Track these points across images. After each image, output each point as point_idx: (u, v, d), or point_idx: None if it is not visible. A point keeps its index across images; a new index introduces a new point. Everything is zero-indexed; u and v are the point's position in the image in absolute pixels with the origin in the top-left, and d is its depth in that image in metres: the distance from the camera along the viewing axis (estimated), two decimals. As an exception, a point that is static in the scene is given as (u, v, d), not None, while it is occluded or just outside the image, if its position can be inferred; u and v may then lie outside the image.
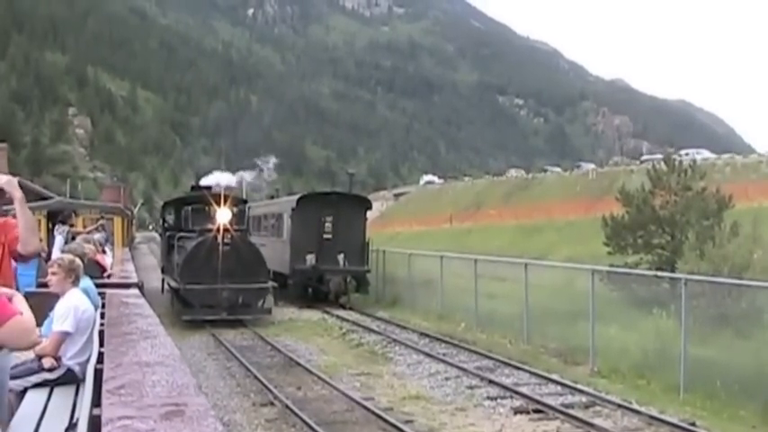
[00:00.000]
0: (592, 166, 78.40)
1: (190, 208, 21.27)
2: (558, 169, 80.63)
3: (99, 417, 2.31)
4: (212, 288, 17.35)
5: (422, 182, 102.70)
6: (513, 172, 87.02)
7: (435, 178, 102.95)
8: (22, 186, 3.77)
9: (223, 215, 17.71)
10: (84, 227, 15.54)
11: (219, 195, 18.86)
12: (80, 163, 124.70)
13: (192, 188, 26.27)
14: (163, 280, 22.09)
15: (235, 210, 19.30)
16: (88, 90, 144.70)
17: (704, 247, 16.73)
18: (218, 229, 17.65)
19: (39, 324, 4.72)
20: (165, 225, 23.06)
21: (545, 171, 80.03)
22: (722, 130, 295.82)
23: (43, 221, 16.03)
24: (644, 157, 53.25)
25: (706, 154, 62.26)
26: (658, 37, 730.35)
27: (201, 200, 20.90)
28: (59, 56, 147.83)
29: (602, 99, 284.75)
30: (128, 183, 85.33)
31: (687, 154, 62.93)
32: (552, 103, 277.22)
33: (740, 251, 16.07)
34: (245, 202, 23.34)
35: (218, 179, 26.71)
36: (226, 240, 17.58)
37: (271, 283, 18.59)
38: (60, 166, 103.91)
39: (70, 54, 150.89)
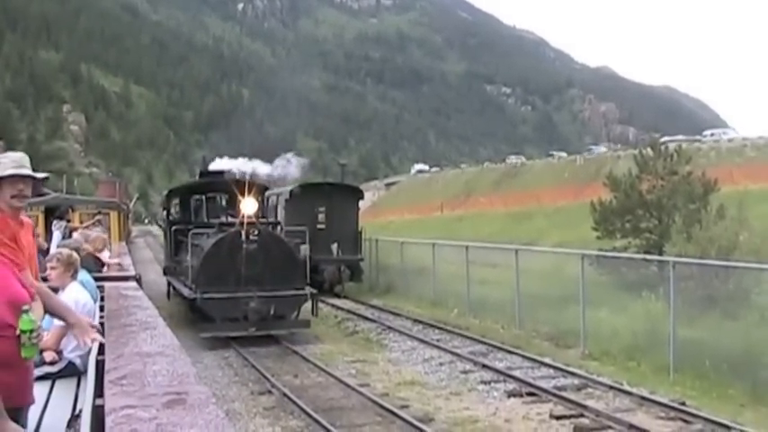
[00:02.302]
0: (603, 149, 78.46)
1: (203, 197, 18.29)
2: (564, 154, 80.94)
3: (102, 407, 2.33)
4: (237, 297, 14.11)
5: (413, 170, 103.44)
6: (513, 158, 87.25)
7: (427, 167, 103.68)
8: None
9: (249, 205, 14.49)
10: (81, 222, 15.50)
11: (241, 182, 15.95)
12: (75, 159, 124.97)
13: (201, 174, 21.84)
14: (169, 284, 18.53)
15: (260, 199, 16.13)
16: (82, 87, 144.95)
17: (691, 231, 16.88)
18: (242, 223, 14.41)
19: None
20: (170, 218, 19.61)
21: (551, 156, 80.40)
22: (707, 116, 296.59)
23: (41, 217, 15.97)
24: (664, 139, 55.41)
25: (732, 134, 63.13)
26: (643, 24, 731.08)
27: (218, 187, 18.32)
28: (53, 54, 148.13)
29: (589, 86, 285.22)
30: (123, 178, 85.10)
31: (713, 134, 64.53)
32: (539, 91, 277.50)
33: (726, 233, 16.20)
34: (267, 189, 20.00)
35: (255, 166, 21.57)
36: (252, 237, 14.33)
37: (309, 290, 15.33)
38: (56, 163, 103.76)
39: (63, 52, 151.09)
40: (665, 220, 20.18)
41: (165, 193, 21.59)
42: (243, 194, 14.53)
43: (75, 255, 5.11)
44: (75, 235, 9.06)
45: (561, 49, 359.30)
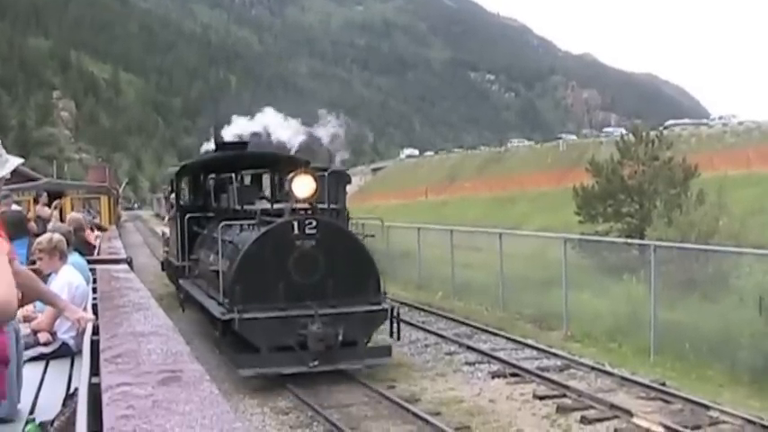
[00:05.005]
0: (622, 130, 78.22)
1: (231, 176, 13.85)
2: (573, 136, 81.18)
3: (98, 385, 2.35)
4: (291, 317, 10.06)
5: (402, 155, 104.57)
6: (515, 141, 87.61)
7: (416, 151, 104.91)
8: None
9: (304, 186, 10.29)
10: (73, 207, 15.39)
11: (284, 156, 12.65)
12: (66, 145, 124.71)
13: (218, 147, 16.66)
14: (181, 290, 14.09)
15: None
16: (71, 73, 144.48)
17: (672, 215, 17.13)
18: (294, 211, 10.46)
19: (32, 301, 4.86)
20: (182, 203, 15.28)
21: (559, 138, 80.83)
22: (688, 103, 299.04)
23: (32, 202, 15.94)
24: (669, 122, 56.45)
25: (741, 118, 64.30)
26: (625, 12, 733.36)
27: (251, 161, 14.65)
28: (42, 41, 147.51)
29: (571, 73, 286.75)
30: (112, 163, 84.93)
31: (722, 118, 65.92)
32: (523, 78, 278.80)
33: (706, 218, 16.44)
34: (309, 163, 14.48)
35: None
36: (309, 230, 10.26)
37: (391, 303, 11.39)
38: (47, 148, 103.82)
39: (53, 39, 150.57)
40: (647, 205, 20.43)
41: (176, 170, 16.31)
42: (288, 171, 10.85)
43: (56, 237, 5.06)
44: (72, 215, 9.07)
45: (544, 37, 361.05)
